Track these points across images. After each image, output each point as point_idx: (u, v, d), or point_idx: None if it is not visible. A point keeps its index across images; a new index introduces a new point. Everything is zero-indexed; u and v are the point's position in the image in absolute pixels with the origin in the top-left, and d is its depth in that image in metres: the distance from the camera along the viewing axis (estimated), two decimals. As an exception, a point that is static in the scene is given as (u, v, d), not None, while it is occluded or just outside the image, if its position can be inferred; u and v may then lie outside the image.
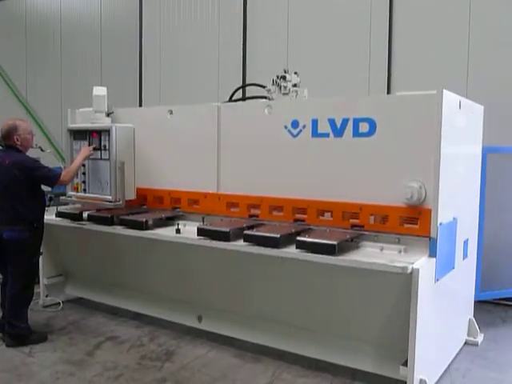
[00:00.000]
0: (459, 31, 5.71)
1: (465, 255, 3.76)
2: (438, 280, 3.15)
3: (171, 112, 4.27)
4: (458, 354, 3.83)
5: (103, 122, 4.40)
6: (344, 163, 3.47)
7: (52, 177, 3.90)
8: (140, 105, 8.07)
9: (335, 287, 3.39)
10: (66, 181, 4.04)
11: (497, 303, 4.93)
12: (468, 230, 3.81)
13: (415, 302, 2.87)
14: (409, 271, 2.85)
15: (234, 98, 4.38)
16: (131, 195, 4.43)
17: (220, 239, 3.52)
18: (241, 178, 3.92)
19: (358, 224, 3.43)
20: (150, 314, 4.45)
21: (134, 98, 8.15)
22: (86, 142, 4.40)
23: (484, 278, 4.42)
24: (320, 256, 3.10)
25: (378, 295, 3.21)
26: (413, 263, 2.90)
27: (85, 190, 4.46)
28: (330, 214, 3.53)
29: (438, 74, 5.69)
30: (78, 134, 4.48)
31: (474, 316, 4.19)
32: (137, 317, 4.55)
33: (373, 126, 3.33)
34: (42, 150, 4.58)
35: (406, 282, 2.91)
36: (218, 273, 3.93)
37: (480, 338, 4.11)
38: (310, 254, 3.14)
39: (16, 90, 9.88)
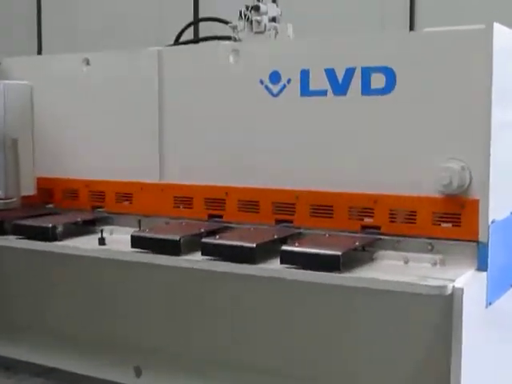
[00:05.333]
0: None
1: (528, 266, 3.77)
2: (490, 304, 3.15)
3: (88, 62, 4.22)
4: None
5: (-17, 77, 4.33)
6: (349, 135, 3.46)
7: None
8: (39, 52, 7.90)
9: (339, 319, 3.39)
10: None
11: None
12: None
13: (459, 337, 2.85)
14: (448, 292, 2.83)
15: (182, 40, 4.41)
16: (29, 189, 4.35)
17: (166, 252, 3.49)
18: (195, 161, 3.92)
19: (371, 225, 3.42)
20: (63, 367, 4.40)
21: (30, 43, 7.98)
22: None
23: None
24: (316, 274, 3.08)
25: (403, 330, 3.21)
26: (454, 281, 2.88)
27: (-43, 184, 4.34)
28: (329, 210, 3.52)
29: (478, 3, 5.70)
30: None
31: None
32: (44, 372, 4.48)
33: (391, 78, 3.32)
34: None
35: (445, 309, 2.91)
36: (164, 302, 3.92)
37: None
38: (300, 271, 3.12)
39: None
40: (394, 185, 3.36)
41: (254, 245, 3.27)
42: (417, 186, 3.29)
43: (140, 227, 3.89)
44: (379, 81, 3.35)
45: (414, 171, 3.31)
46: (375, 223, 3.42)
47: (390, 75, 3.32)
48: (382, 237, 3.39)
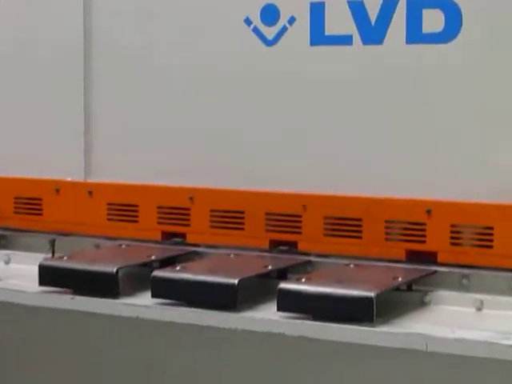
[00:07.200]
0: None
1: None
2: None
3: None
4: None
5: None
6: (387, 107, 3.50)
7: None
8: None
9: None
10: None
11: None
12: None
13: None
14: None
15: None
16: None
17: (95, 292, 3.48)
18: (142, 147, 4.02)
19: (422, 250, 3.44)
20: None
21: None
22: None
23: None
24: (334, 328, 3.04)
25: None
26: (555, 340, 2.86)
27: None
28: (355, 227, 3.53)
29: None
30: None
31: None
32: None
33: (454, 18, 3.31)
34: None
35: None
36: (90, 367, 3.79)
37: None
38: (309, 324, 3.10)
39: None
40: (458, 187, 3.36)
41: (236, 281, 3.21)
42: (493, 189, 3.29)
43: (53, 252, 3.90)
44: (435, 21, 3.33)
45: (488, 165, 3.31)
46: (428, 247, 3.41)
47: (453, 13, 3.30)
48: (438, 268, 3.37)
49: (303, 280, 3.22)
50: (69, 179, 4.05)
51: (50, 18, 4.16)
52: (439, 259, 3.38)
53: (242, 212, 3.72)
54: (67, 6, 4.07)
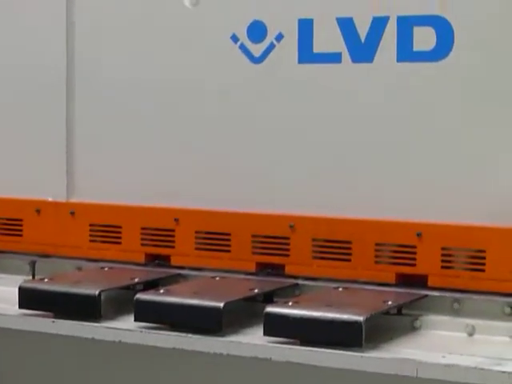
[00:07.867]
0: None
1: None
2: None
3: None
4: None
5: None
6: (377, 127, 3.48)
7: None
8: None
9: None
10: None
11: None
12: None
13: None
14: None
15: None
16: None
17: (76, 315, 3.43)
18: (126, 167, 4.02)
19: (412, 273, 3.41)
20: None
21: None
22: None
23: None
24: (321, 353, 2.99)
25: None
26: (547, 365, 2.83)
27: None
28: (344, 249, 3.50)
29: None
30: None
31: None
32: None
33: (445, 35, 3.29)
34: None
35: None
36: None
37: None
38: (296, 349, 3.05)
39: None
40: (450, 208, 3.34)
41: (221, 304, 3.17)
42: (487, 211, 3.27)
43: (34, 274, 3.87)
44: (426, 39, 3.32)
45: (481, 186, 3.29)
46: (419, 271, 3.39)
47: (445, 31, 3.29)
48: (429, 292, 3.35)
49: (290, 304, 3.20)
50: (50, 199, 4.03)
51: (32, 41, 4.14)
52: (430, 283, 3.36)
53: (228, 234, 3.69)
54: (49, 31, 4.06)
